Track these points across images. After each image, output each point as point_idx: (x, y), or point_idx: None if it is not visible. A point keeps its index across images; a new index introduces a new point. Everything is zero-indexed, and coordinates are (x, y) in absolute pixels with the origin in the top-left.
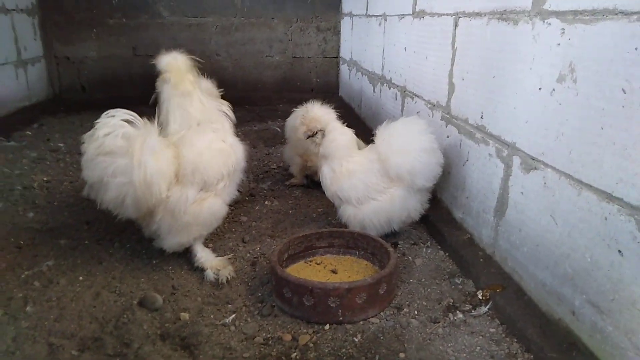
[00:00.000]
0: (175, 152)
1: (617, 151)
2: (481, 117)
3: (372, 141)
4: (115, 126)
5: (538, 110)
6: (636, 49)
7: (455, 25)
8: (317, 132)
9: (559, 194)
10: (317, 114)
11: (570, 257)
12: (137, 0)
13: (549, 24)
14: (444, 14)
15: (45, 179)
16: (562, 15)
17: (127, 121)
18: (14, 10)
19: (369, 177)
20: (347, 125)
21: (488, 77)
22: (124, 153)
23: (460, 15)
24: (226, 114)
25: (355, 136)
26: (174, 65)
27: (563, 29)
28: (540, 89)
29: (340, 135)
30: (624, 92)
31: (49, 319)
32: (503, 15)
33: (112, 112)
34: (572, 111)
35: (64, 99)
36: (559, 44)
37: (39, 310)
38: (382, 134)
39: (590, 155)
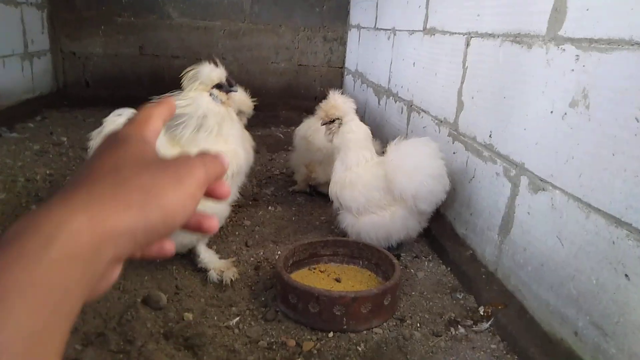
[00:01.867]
0: (179, 152)
1: (628, 177)
2: (489, 136)
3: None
4: (122, 124)
5: (549, 133)
6: None
7: (467, 45)
8: (334, 120)
9: (567, 215)
10: (338, 102)
11: (576, 278)
12: (147, 0)
13: (564, 49)
14: (455, 33)
15: (48, 172)
16: (578, 42)
17: None
18: (24, 3)
19: (371, 192)
20: None
21: (499, 98)
22: None
23: (473, 35)
24: (239, 119)
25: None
26: (210, 78)
27: (577, 55)
28: (552, 112)
29: (357, 128)
30: (637, 120)
31: None
32: (517, 38)
33: (119, 111)
34: (584, 136)
35: (68, 93)
36: (572, 70)
37: None
38: (392, 152)
39: (600, 180)
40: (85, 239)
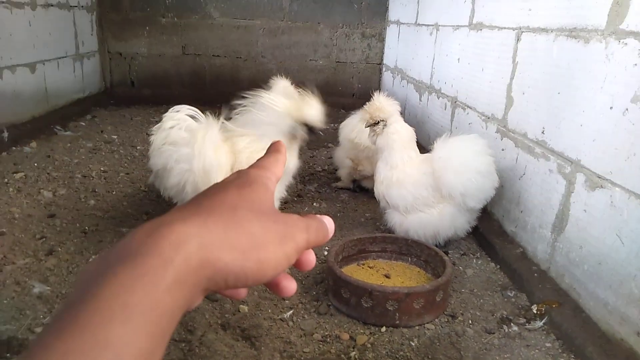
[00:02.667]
0: (231, 148)
1: None
2: (542, 132)
3: (429, 151)
4: (180, 120)
5: (608, 129)
6: None
7: (518, 40)
8: (379, 122)
9: (628, 213)
10: (382, 103)
11: (637, 277)
12: (189, 0)
13: (626, 43)
14: (505, 28)
15: (102, 169)
16: None
17: (191, 116)
18: (75, 6)
19: (419, 190)
20: None
21: (552, 93)
22: (187, 143)
23: (524, 30)
24: None
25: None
26: (310, 118)
27: None
28: (611, 108)
29: (402, 129)
30: None
31: None
32: (572, 33)
33: (177, 107)
34: None
35: (115, 92)
36: (635, 64)
37: None
38: (440, 148)
39: None
40: (194, 265)
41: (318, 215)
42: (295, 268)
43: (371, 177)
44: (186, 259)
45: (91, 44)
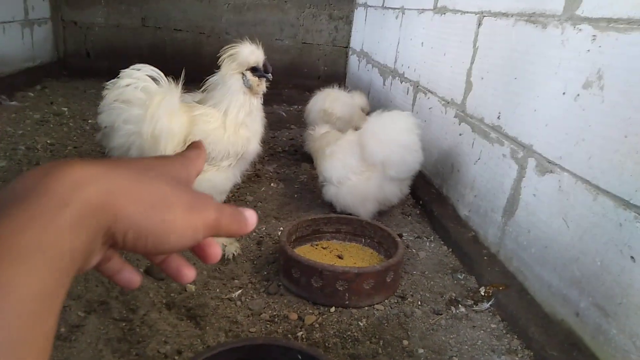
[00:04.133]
0: (190, 121)
1: (639, 160)
2: (498, 118)
3: None
4: (138, 78)
5: (559, 115)
6: None
7: (479, 24)
8: None
9: (574, 198)
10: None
11: (580, 260)
12: None
13: (580, 29)
14: (467, 12)
15: (48, 141)
16: (595, 22)
17: (152, 78)
18: None
19: (348, 159)
20: None
21: (509, 78)
22: (141, 105)
23: (485, 14)
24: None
25: None
26: (247, 60)
27: (594, 35)
28: (564, 93)
29: None
30: None
31: None
32: (531, 18)
33: (138, 65)
34: (596, 118)
35: (68, 63)
36: (588, 51)
37: None
38: (370, 121)
39: (610, 162)
40: (93, 208)
41: (240, 207)
42: (199, 259)
43: None
44: (85, 200)
45: (43, 10)
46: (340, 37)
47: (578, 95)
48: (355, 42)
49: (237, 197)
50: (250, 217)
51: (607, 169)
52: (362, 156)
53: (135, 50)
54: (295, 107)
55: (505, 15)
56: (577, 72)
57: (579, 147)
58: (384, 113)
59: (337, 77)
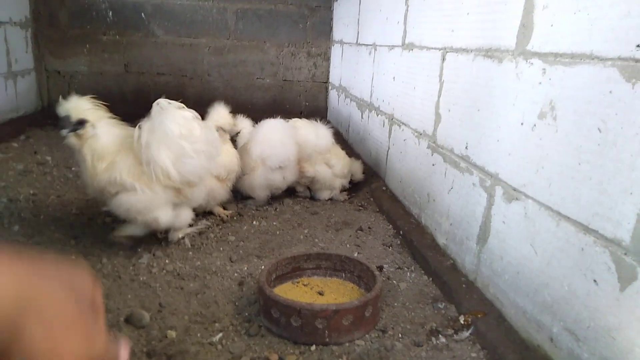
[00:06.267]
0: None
1: (593, 186)
2: (466, 148)
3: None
4: None
5: (520, 144)
6: (610, 92)
7: (443, 59)
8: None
9: (539, 224)
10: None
11: (550, 285)
12: (132, 18)
13: (532, 63)
14: (432, 48)
15: (31, 192)
16: (544, 56)
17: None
18: (7, 22)
19: (225, 157)
20: None
21: (473, 110)
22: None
23: (448, 50)
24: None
25: None
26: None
27: (544, 69)
28: (522, 124)
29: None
30: (600, 131)
31: None
32: (488, 53)
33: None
34: (552, 146)
35: (52, 112)
36: (540, 83)
37: None
38: (255, 129)
39: (568, 189)
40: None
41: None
42: None
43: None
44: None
45: (26, 61)
46: (320, 73)
47: (534, 125)
48: (334, 78)
49: (219, 237)
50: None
51: (566, 195)
52: (250, 156)
53: (119, 95)
54: None
55: (465, 50)
56: (532, 104)
57: (539, 175)
58: (265, 122)
59: (319, 111)
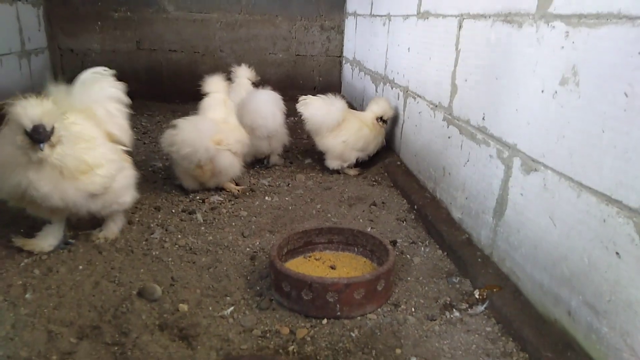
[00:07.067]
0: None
1: (617, 154)
2: (483, 119)
3: None
4: None
5: (540, 113)
6: (639, 53)
7: (460, 27)
8: None
9: (559, 195)
10: None
11: (568, 258)
12: None
13: (553, 27)
14: (448, 15)
15: None
16: (567, 18)
17: None
18: (19, 0)
19: (238, 131)
20: None
21: (491, 79)
22: None
23: (465, 17)
24: None
25: None
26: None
27: (567, 32)
28: (542, 91)
29: None
30: (626, 95)
31: (48, 307)
32: (507, 18)
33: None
34: (574, 114)
35: None
36: (562, 47)
37: (38, 298)
38: (246, 98)
39: (590, 158)
40: None
41: None
42: None
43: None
44: None
45: (39, 40)
46: (333, 47)
47: (556, 92)
48: (348, 51)
49: (231, 212)
50: None
51: (588, 164)
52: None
53: (131, 73)
54: (292, 118)
55: (483, 16)
56: (554, 69)
57: (560, 144)
58: (254, 91)
59: (333, 86)
